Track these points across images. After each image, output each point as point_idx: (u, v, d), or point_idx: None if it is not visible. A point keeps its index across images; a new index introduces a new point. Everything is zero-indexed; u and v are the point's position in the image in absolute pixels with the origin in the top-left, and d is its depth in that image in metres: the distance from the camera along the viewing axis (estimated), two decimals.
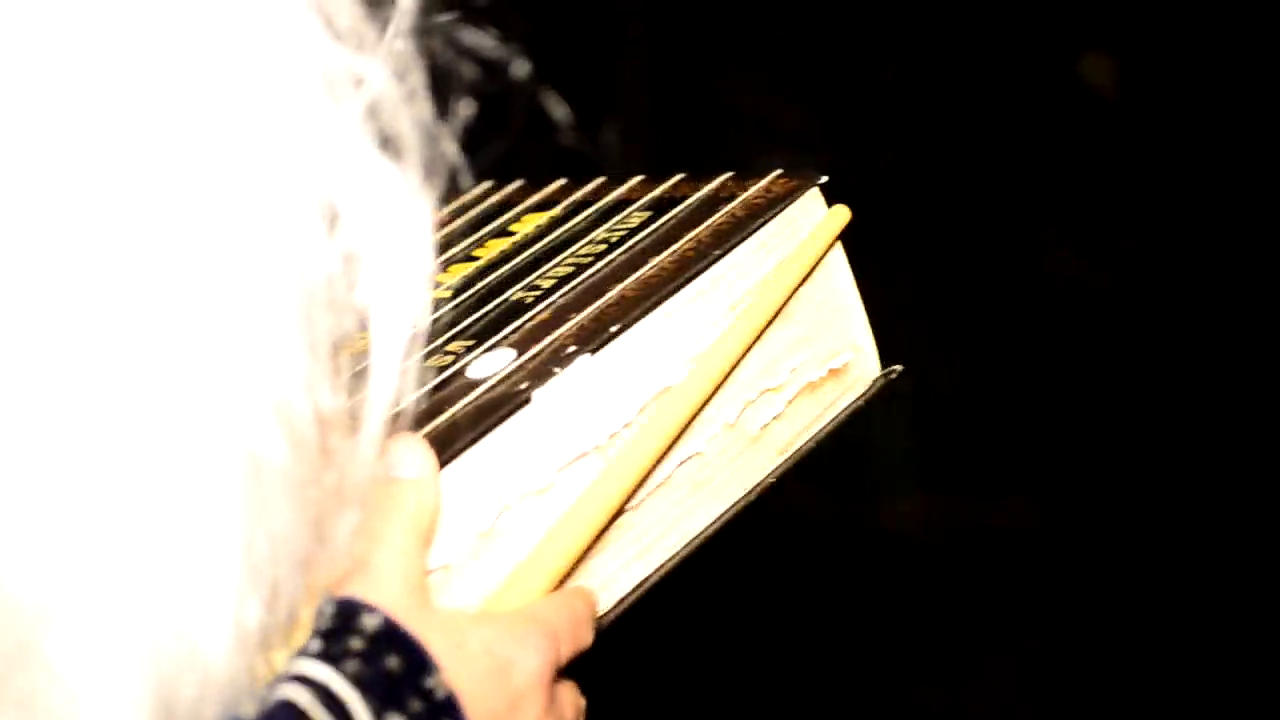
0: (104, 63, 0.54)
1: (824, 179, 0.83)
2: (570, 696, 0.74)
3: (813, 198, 0.83)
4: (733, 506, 0.82)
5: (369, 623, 0.66)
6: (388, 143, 0.60)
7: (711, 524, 0.82)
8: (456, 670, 0.67)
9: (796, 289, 0.83)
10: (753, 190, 0.84)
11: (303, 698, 0.63)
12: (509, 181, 0.99)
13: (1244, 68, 2.93)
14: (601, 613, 0.78)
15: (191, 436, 0.56)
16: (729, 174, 0.88)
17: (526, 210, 0.94)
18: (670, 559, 0.80)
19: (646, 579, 0.80)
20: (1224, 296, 2.82)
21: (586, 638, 0.75)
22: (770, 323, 0.82)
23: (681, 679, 2.38)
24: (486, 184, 0.99)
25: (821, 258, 0.83)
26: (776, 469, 0.83)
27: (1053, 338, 2.85)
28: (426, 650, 0.67)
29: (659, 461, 0.79)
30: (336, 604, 0.67)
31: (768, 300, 0.82)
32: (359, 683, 0.64)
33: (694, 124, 2.93)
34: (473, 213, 0.96)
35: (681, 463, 0.80)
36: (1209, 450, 2.65)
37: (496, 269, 0.88)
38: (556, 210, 0.93)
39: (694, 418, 0.80)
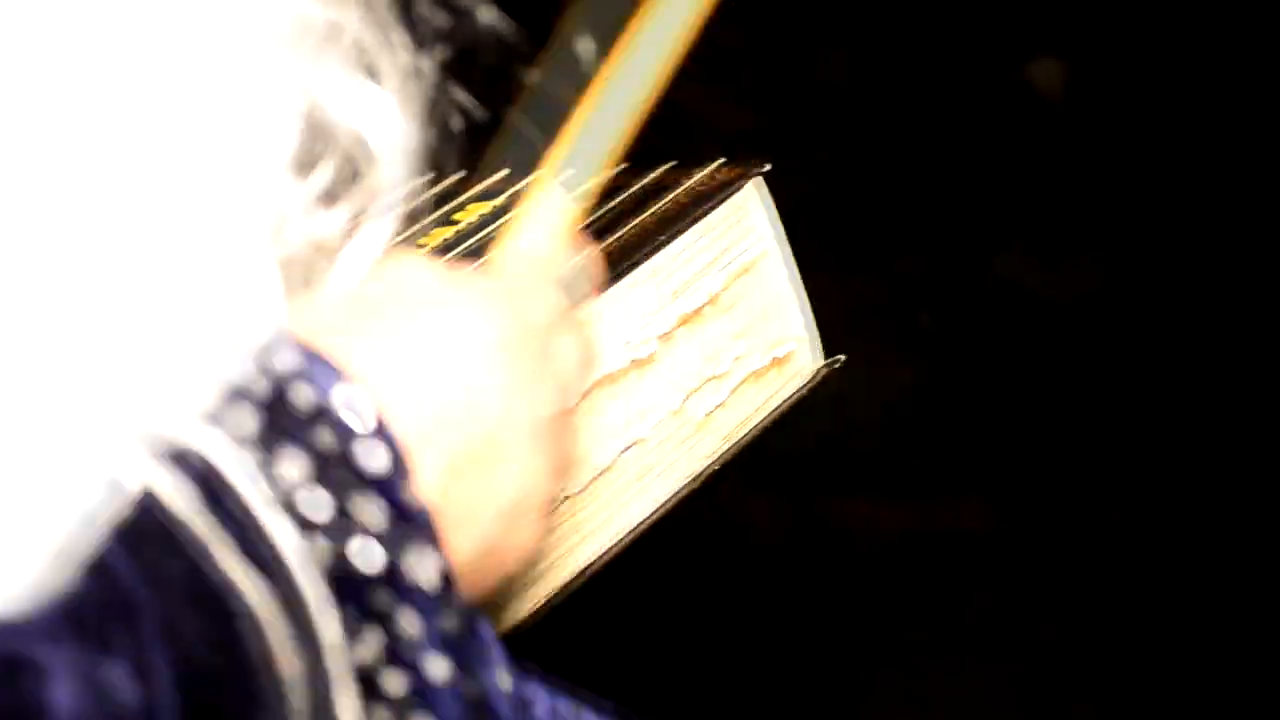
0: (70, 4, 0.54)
1: (767, 167, 0.84)
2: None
3: (756, 185, 0.84)
4: (676, 493, 0.83)
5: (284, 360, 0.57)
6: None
7: (654, 510, 0.82)
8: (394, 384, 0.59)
9: None
10: (696, 178, 0.85)
11: (163, 484, 0.52)
12: (465, 152, 0.99)
13: (1192, 72, 2.95)
14: (543, 599, 0.78)
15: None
16: (671, 163, 0.88)
17: (469, 200, 0.95)
18: (613, 545, 0.81)
19: (589, 565, 0.80)
20: (1175, 300, 2.84)
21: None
22: None
23: (624, 682, 2.38)
24: (427, 175, 0.99)
25: None
26: (720, 456, 0.84)
27: (1001, 341, 2.87)
28: (334, 366, 0.57)
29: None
30: None
31: None
32: (242, 439, 0.53)
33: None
34: (413, 203, 0.96)
35: (625, 449, 0.80)
36: (1161, 452, 2.67)
37: (441, 257, 0.88)
38: (500, 199, 0.93)
39: None
